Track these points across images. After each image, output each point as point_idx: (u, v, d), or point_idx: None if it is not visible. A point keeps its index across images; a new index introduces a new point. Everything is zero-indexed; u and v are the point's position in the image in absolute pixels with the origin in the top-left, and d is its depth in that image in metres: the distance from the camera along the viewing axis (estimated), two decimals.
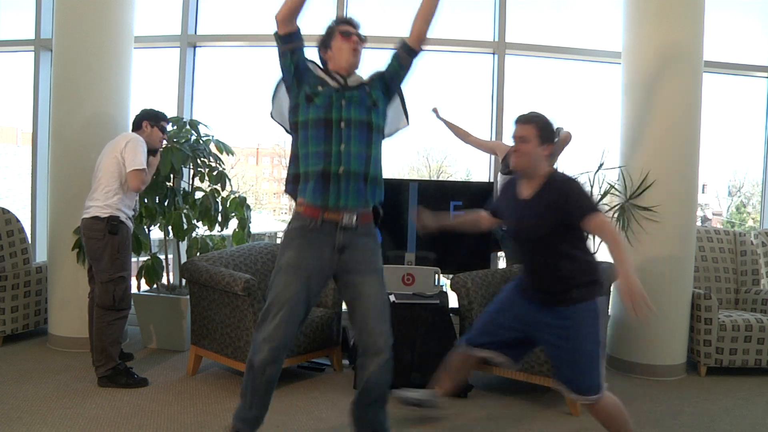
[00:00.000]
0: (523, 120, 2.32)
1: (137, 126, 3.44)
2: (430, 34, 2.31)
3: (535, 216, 2.25)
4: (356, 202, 2.17)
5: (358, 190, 2.17)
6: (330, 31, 2.31)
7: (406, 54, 2.32)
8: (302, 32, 2.31)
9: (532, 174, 2.30)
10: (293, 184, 2.24)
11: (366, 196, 2.20)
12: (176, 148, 3.79)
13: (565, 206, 2.18)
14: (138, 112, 3.51)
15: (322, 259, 2.15)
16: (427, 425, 2.87)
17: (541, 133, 2.28)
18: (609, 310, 3.71)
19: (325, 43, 2.33)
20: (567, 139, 3.76)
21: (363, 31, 2.32)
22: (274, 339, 2.09)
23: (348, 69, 2.27)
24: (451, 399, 3.20)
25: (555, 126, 2.38)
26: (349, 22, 2.31)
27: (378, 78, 2.33)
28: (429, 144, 6.21)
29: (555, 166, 2.41)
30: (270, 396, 2.24)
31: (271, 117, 2.40)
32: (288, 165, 2.29)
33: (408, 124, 2.43)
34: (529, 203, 2.29)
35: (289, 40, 2.28)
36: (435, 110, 4.14)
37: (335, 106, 2.16)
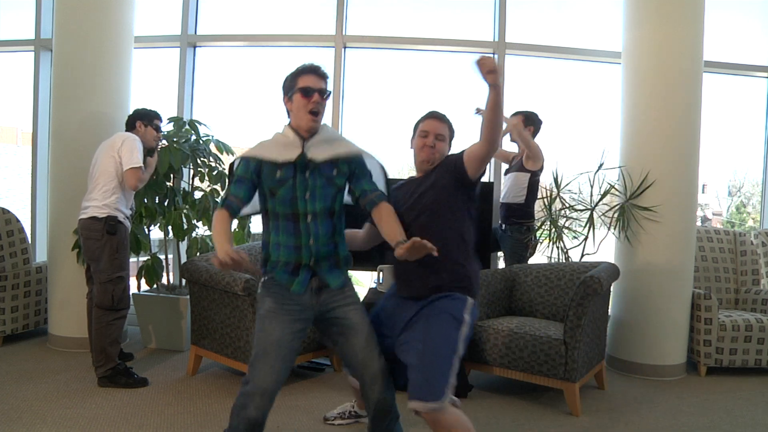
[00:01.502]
0: (440, 117, 2.38)
1: (131, 126, 3.45)
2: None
3: (426, 187, 2.27)
4: (336, 280, 2.17)
5: (332, 271, 2.17)
6: (292, 81, 2.14)
7: (365, 209, 2.21)
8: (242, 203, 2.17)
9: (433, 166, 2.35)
10: (265, 266, 2.20)
11: (342, 271, 2.20)
12: (175, 148, 3.79)
13: (449, 166, 2.24)
14: (131, 112, 3.52)
15: (302, 304, 2.14)
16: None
17: (451, 134, 2.40)
18: (609, 311, 3.71)
19: (287, 92, 2.17)
20: (517, 125, 3.91)
21: (328, 84, 2.15)
22: (264, 389, 2.03)
23: (307, 132, 2.13)
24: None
25: (527, 115, 2.39)
26: (315, 72, 2.13)
27: (347, 165, 2.17)
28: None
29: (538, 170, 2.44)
30: None
31: (241, 216, 2.32)
32: (261, 245, 2.24)
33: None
34: (423, 179, 2.33)
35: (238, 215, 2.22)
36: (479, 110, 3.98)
37: (300, 198, 2.09)
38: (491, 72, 1.93)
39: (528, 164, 3.91)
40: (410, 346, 2.13)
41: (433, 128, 2.34)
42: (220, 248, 1.93)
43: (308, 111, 2.09)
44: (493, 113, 2.04)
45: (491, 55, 1.88)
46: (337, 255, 2.18)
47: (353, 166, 2.19)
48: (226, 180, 4.10)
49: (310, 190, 2.10)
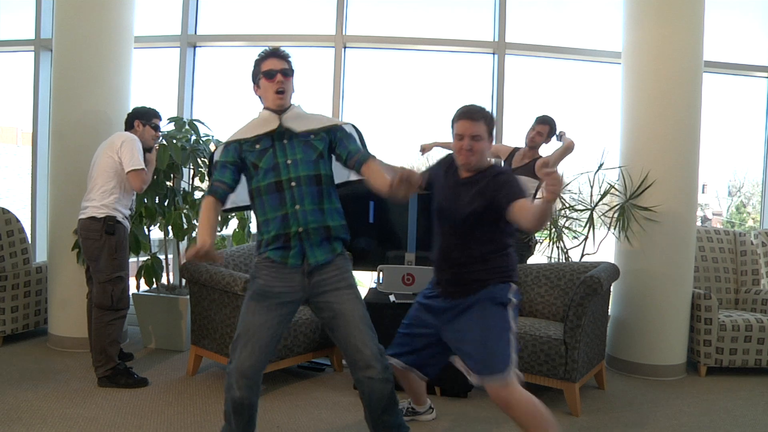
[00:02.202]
0: (473, 116, 2.26)
1: (129, 125, 3.44)
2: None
3: (467, 196, 2.25)
4: (322, 255, 2.17)
5: (321, 245, 2.17)
6: (256, 69, 2.25)
7: (354, 169, 2.24)
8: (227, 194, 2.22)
9: (479, 168, 2.30)
10: (257, 249, 2.22)
11: (332, 246, 2.20)
12: (175, 145, 3.79)
13: (495, 193, 2.19)
14: (129, 111, 3.51)
15: (292, 285, 2.14)
16: (427, 426, 2.87)
17: (488, 128, 2.27)
18: (609, 311, 3.71)
19: (254, 80, 2.28)
20: (570, 147, 3.76)
21: (290, 65, 2.23)
22: (245, 369, 2.06)
23: (277, 108, 2.22)
24: (451, 399, 3.22)
25: (558, 130, 2.37)
26: (276, 55, 2.22)
27: (326, 133, 2.25)
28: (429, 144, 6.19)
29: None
30: (254, 418, 2.19)
31: (224, 210, 2.35)
32: (256, 232, 2.29)
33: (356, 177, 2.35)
34: (465, 183, 2.29)
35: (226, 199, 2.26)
36: (422, 149, 4.14)
37: (282, 167, 2.14)
38: (556, 187, 1.87)
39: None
40: (463, 335, 2.24)
41: (467, 130, 2.24)
42: (199, 239, 2.01)
43: (274, 91, 2.19)
44: (543, 216, 2.00)
45: (561, 175, 1.87)
46: (326, 225, 2.16)
47: (331, 134, 2.25)
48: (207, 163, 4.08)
49: (291, 157, 2.16)
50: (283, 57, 2.23)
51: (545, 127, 3.84)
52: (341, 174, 2.35)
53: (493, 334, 2.19)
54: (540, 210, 1.99)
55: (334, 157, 2.27)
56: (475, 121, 2.24)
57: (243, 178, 2.26)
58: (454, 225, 2.30)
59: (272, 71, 2.19)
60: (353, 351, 2.14)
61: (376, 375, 2.13)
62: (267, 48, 2.25)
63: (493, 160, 2.36)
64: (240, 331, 2.11)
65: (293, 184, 2.13)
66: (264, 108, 2.26)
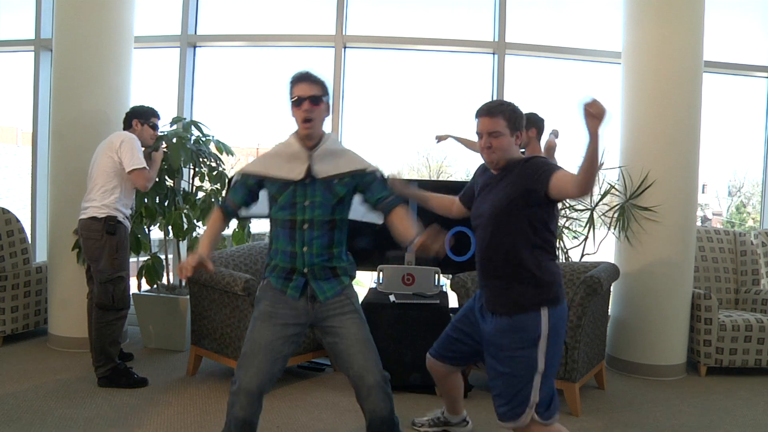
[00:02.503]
0: (489, 112, 2.15)
1: (128, 125, 3.44)
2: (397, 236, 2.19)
3: (498, 191, 2.16)
4: (331, 290, 2.17)
5: (329, 281, 2.18)
6: (288, 93, 2.15)
7: (381, 213, 2.21)
8: (239, 207, 2.24)
9: (508, 162, 2.18)
10: (265, 270, 2.23)
11: (339, 280, 2.20)
12: (183, 145, 3.80)
13: (527, 180, 2.07)
14: (128, 111, 3.51)
15: (297, 308, 2.15)
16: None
17: (509, 123, 2.14)
18: (609, 311, 3.71)
19: (288, 102, 2.18)
20: (552, 147, 3.72)
21: (323, 89, 2.13)
22: (250, 390, 2.04)
23: (307, 140, 2.14)
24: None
25: (530, 116, 2.25)
26: (307, 79, 2.12)
27: (352, 177, 2.17)
28: (429, 144, 6.20)
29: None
30: None
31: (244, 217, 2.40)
32: (267, 252, 2.29)
33: (382, 221, 2.31)
34: (496, 179, 2.19)
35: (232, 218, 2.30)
36: (438, 138, 3.95)
37: (299, 207, 2.12)
38: (596, 118, 1.77)
39: None
40: (490, 370, 2.18)
41: (485, 127, 2.15)
42: (192, 253, 2.08)
43: (302, 120, 2.11)
44: (589, 162, 1.85)
45: (601, 102, 1.77)
46: (332, 267, 2.18)
47: (358, 178, 2.19)
48: (226, 180, 4.11)
49: (310, 198, 2.12)
50: (315, 81, 2.12)
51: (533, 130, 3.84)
52: (357, 211, 2.32)
53: (514, 382, 2.10)
54: (584, 165, 1.85)
55: (358, 198, 2.23)
56: (492, 117, 2.14)
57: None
58: (484, 224, 2.18)
59: (300, 98, 2.10)
60: (357, 377, 2.14)
61: (378, 403, 2.13)
62: (300, 71, 2.14)
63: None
64: (245, 351, 2.10)
65: (306, 226, 2.12)
66: (295, 133, 2.18)
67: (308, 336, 3.38)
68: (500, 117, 2.13)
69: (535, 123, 3.65)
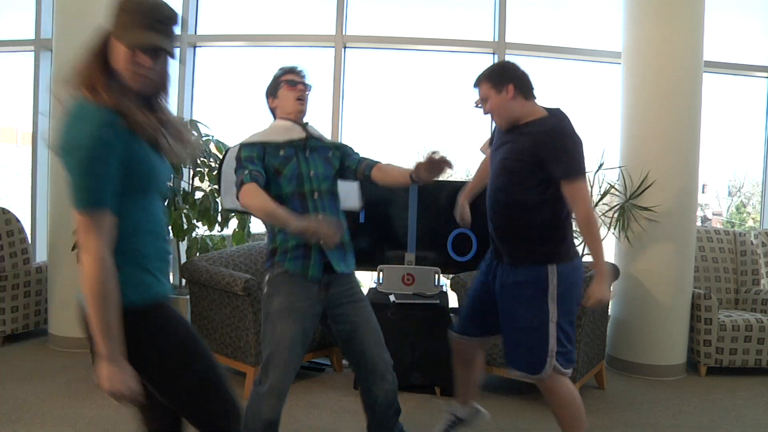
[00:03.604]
0: (475, 84, 2.27)
1: None
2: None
3: (512, 140, 2.19)
4: (346, 267, 2.21)
5: (345, 258, 2.22)
6: (275, 81, 2.27)
7: (362, 176, 2.25)
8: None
9: (516, 118, 2.20)
10: (271, 258, 2.19)
11: (345, 257, 2.23)
12: None
13: (541, 151, 2.09)
14: None
15: (311, 298, 2.15)
16: (424, 425, 2.87)
17: (492, 83, 2.19)
18: (609, 311, 3.71)
19: (271, 92, 2.29)
20: None
21: (309, 79, 2.29)
22: (280, 389, 2.05)
23: (295, 116, 2.23)
24: (451, 399, 3.21)
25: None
26: (294, 71, 2.26)
27: (337, 149, 2.32)
28: (429, 144, 6.20)
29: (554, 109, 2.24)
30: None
31: (227, 209, 2.41)
32: (267, 237, 2.25)
33: (359, 207, 2.49)
34: (516, 131, 2.20)
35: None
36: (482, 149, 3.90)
37: (305, 177, 2.16)
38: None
39: None
40: (502, 318, 2.24)
41: (479, 97, 2.27)
42: (292, 221, 1.84)
43: (295, 98, 2.20)
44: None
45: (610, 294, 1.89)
46: (343, 240, 2.20)
47: (341, 149, 2.33)
48: (221, 156, 4.08)
49: (313, 169, 2.17)
50: (303, 75, 2.27)
51: None
52: (351, 201, 2.44)
53: (525, 334, 2.16)
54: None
55: (343, 162, 2.29)
56: (477, 86, 2.27)
57: None
58: (495, 176, 2.25)
59: (294, 80, 2.22)
60: (370, 363, 2.17)
61: (390, 386, 2.20)
62: (285, 66, 2.28)
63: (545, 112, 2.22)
64: (271, 351, 2.08)
65: (316, 195, 2.15)
66: (280, 117, 2.26)
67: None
68: (483, 83, 2.23)
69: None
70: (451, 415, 2.66)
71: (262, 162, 2.15)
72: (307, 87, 2.25)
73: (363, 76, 4.82)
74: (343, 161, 2.28)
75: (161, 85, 1.47)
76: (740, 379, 3.74)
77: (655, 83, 3.77)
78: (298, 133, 2.20)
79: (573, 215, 2.18)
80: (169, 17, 1.39)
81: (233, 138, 4.53)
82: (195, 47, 4.84)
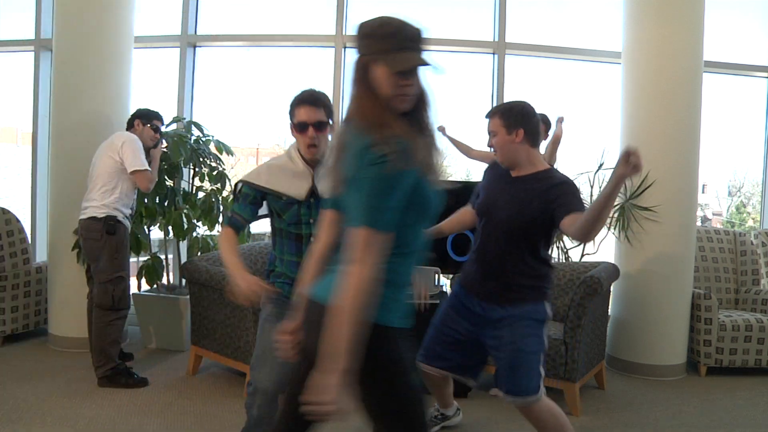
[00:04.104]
0: (488, 114, 2.32)
1: (129, 125, 3.45)
2: None
3: (521, 196, 2.21)
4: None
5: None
6: (291, 112, 2.10)
7: None
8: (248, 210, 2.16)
9: (517, 162, 2.27)
10: (267, 277, 2.22)
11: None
12: (184, 143, 3.80)
13: (553, 201, 2.14)
14: (133, 111, 3.52)
15: None
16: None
17: (504, 121, 2.24)
18: (609, 311, 3.71)
19: (290, 117, 2.12)
20: (559, 137, 3.71)
21: (327, 111, 2.08)
22: (266, 388, 2.06)
23: (311, 160, 2.11)
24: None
25: (540, 117, 2.34)
26: (311, 102, 2.06)
27: None
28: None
29: (554, 165, 2.39)
30: None
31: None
32: (269, 258, 2.27)
33: None
34: (519, 183, 2.25)
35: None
36: (442, 129, 4.00)
37: (304, 222, 2.12)
38: (632, 168, 1.80)
39: None
40: (498, 348, 2.27)
41: (488, 128, 2.31)
42: (241, 278, 1.93)
43: (306, 145, 2.08)
44: (598, 212, 1.92)
45: (640, 158, 1.79)
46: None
47: None
48: (226, 180, 4.10)
49: (314, 216, 2.11)
50: (320, 105, 2.07)
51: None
52: None
53: (527, 358, 2.23)
54: (595, 208, 1.92)
55: None
56: (489, 118, 2.31)
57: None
58: (499, 227, 2.26)
59: (305, 124, 2.06)
60: None
61: None
62: (305, 91, 2.10)
63: (550, 164, 2.36)
64: (258, 353, 2.12)
65: (313, 239, 2.10)
66: (297, 149, 2.14)
67: None
68: (495, 117, 2.27)
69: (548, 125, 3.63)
70: (438, 411, 2.82)
71: (257, 202, 2.15)
72: (320, 127, 2.06)
73: None
74: None
75: (422, 98, 1.50)
76: (740, 379, 3.74)
77: (655, 83, 3.77)
78: (303, 186, 2.10)
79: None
80: (419, 33, 1.48)
81: (233, 138, 4.54)
82: (195, 47, 4.84)
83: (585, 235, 2.05)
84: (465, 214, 2.55)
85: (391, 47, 1.41)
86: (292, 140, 2.20)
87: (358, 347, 1.29)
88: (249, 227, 4.15)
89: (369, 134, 1.36)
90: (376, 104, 1.43)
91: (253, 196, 2.14)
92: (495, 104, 4.55)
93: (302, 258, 2.11)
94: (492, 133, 2.27)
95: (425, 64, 1.44)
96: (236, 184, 2.21)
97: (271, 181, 2.12)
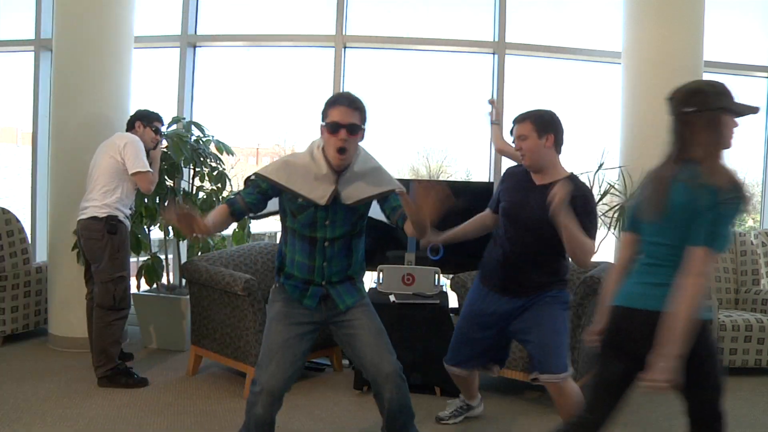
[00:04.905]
0: (518, 119, 2.40)
1: (130, 126, 3.45)
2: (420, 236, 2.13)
3: (542, 202, 2.23)
4: (351, 299, 2.20)
5: (349, 292, 2.21)
6: (325, 112, 2.04)
7: (395, 224, 2.14)
8: (248, 206, 2.11)
9: (543, 167, 2.37)
10: (277, 275, 2.24)
11: (357, 288, 2.24)
12: (184, 143, 3.80)
13: (576, 212, 2.20)
14: (134, 112, 3.52)
15: (310, 309, 2.17)
16: (428, 425, 2.87)
17: (536, 126, 2.33)
18: None
19: (322, 118, 2.06)
20: None
21: (362, 116, 2.02)
22: (272, 388, 2.05)
23: (338, 167, 2.04)
24: (451, 398, 3.21)
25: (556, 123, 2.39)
26: (347, 104, 2.00)
27: (374, 198, 2.15)
28: (429, 144, 6.20)
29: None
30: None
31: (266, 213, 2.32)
32: (277, 252, 2.26)
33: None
34: (543, 190, 2.27)
35: (241, 218, 2.21)
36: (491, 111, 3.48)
37: (320, 226, 2.09)
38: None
39: None
40: (529, 330, 2.38)
41: (517, 132, 2.38)
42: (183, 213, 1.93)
43: (335, 148, 1.99)
44: (567, 238, 2.18)
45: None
46: (349, 275, 2.21)
47: (379, 201, 2.18)
48: (227, 180, 4.10)
49: (331, 218, 2.09)
50: (356, 108, 2.01)
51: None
52: (378, 212, 2.26)
53: (557, 336, 2.35)
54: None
55: (383, 208, 2.19)
56: (517, 123, 2.39)
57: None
58: (525, 228, 2.37)
59: (338, 125, 1.98)
60: (372, 366, 2.14)
61: (397, 387, 2.12)
62: (343, 93, 2.07)
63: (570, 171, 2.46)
64: (264, 351, 2.12)
65: (326, 243, 2.12)
66: (323, 150, 2.05)
67: None
68: (527, 122, 2.36)
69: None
70: (463, 401, 2.92)
71: (267, 195, 2.11)
72: (353, 130, 1.99)
73: (363, 76, 4.82)
74: (381, 203, 2.17)
75: None
76: (740, 379, 3.73)
77: (655, 83, 3.76)
78: (326, 190, 2.03)
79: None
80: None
81: (233, 138, 4.54)
82: (195, 47, 4.84)
83: (573, 257, 2.26)
84: (485, 218, 2.64)
85: (732, 99, 1.80)
86: (292, 140, 2.19)
87: (690, 337, 1.62)
88: (249, 227, 4.16)
89: (715, 178, 1.64)
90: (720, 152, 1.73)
91: (265, 189, 2.09)
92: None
93: (314, 262, 2.13)
94: (522, 137, 2.35)
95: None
96: (249, 176, 2.15)
97: (291, 180, 2.06)
